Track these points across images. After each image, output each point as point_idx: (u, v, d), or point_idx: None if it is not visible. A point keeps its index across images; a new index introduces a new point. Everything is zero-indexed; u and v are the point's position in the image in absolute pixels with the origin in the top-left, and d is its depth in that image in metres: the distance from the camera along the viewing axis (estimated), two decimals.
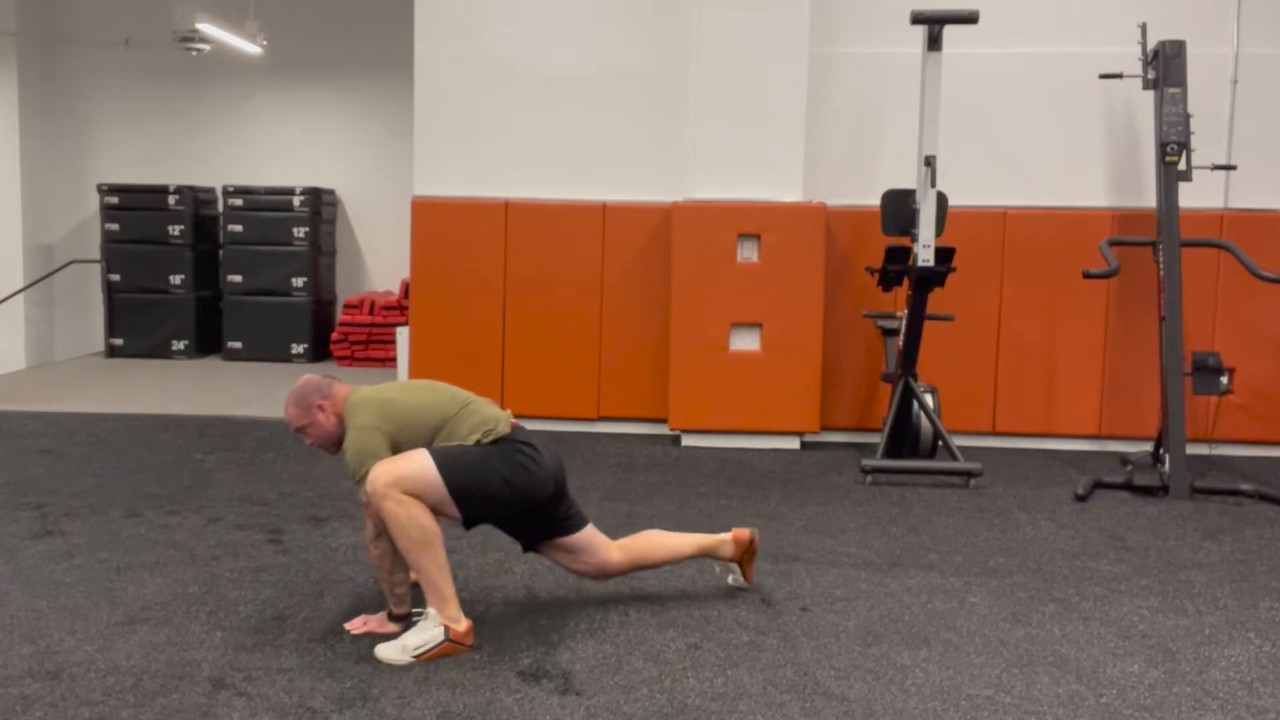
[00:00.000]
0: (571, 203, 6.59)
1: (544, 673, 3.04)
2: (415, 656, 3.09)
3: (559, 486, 3.40)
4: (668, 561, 3.69)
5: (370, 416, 3.23)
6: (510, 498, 3.27)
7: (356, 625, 3.34)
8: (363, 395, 3.32)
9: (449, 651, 3.12)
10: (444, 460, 3.16)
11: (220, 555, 4.08)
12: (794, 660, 3.18)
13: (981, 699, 2.94)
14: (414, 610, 3.30)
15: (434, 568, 3.14)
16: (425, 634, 3.12)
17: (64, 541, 4.21)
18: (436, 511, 3.19)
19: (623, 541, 3.61)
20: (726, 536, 3.72)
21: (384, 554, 3.25)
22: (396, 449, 3.23)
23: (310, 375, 3.38)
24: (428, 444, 3.24)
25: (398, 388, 3.41)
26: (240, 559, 4.04)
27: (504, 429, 3.29)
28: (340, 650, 3.17)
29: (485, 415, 3.31)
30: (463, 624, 3.17)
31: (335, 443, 3.33)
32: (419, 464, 3.14)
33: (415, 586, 3.59)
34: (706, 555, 3.73)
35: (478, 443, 3.24)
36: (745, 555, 3.74)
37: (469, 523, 3.31)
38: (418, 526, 3.10)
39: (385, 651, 3.12)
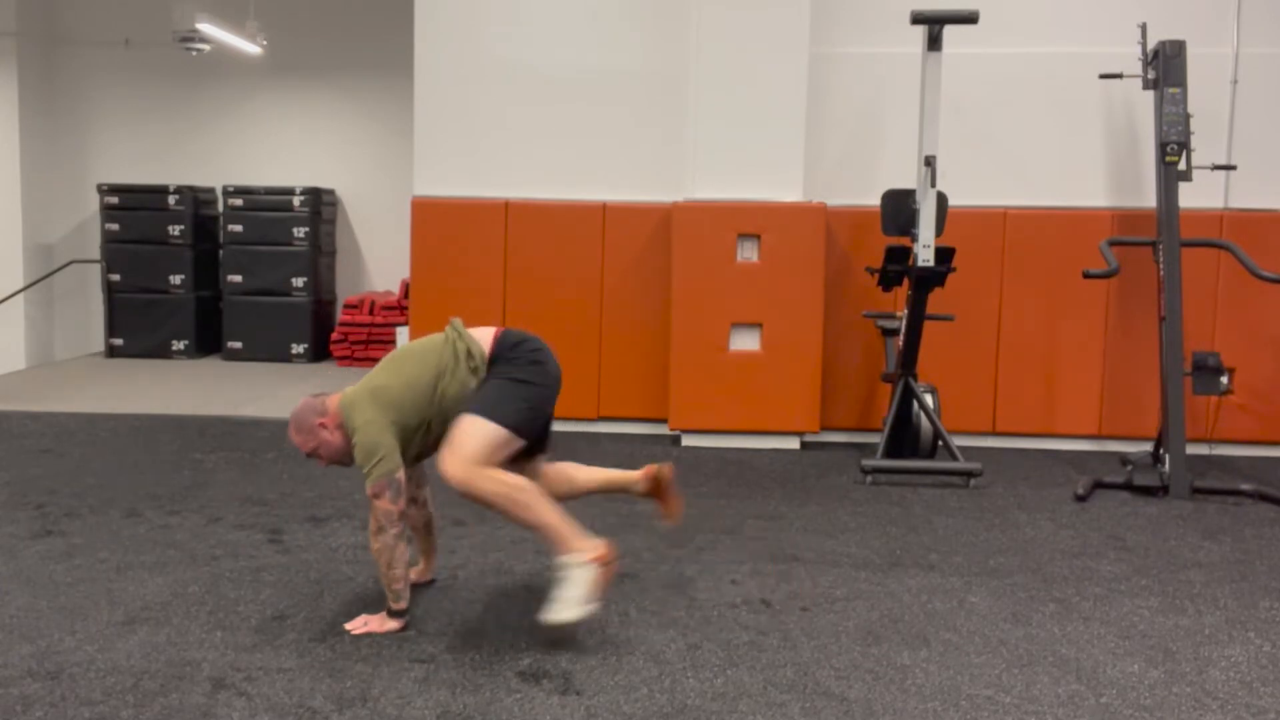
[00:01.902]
0: (571, 203, 6.59)
1: (544, 673, 3.04)
2: (588, 602, 3.17)
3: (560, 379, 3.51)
4: (577, 495, 3.70)
5: (367, 411, 3.25)
6: (545, 396, 3.39)
7: (356, 625, 3.34)
8: (351, 395, 3.32)
9: (606, 576, 3.22)
10: (488, 409, 3.24)
11: (220, 555, 4.08)
12: (794, 660, 3.18)
13: (981, 699, 2.94)
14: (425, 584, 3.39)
15: (546, 517, 3.21)
16: (577, 578, 3.17)
17: (64, 541, 4.21)
18: (505, 456, 3.27)
19: (550, 467, 3.66)
20: (636, 475, 3.73)
21: (384, 548, 3.25)
22: (404, 428, 3.26)
23: (303, 399, 3.39)
24: (429, 405, 3.29)
25: (381, 372, 3.40)
26: (240, 559, 4.04)
27: (487, 346, 3.39)
28: (340, 650, 3.17)
29: (471, 346, 3.37)
30: (600, 547, 3.22)
31: (348, 454, 3.35)
32: (473, 430, 3.21)
33: (415, 586, 3.60)
34: (619, 489, 3.75)
35: (485, 369, 3.33)
36: (658, 490, 3.73)
37: (530, 440, 3.41)
38: (515, 490, 3.19)
39: (559, 614, 3.16)
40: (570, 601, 3.16)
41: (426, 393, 3.30)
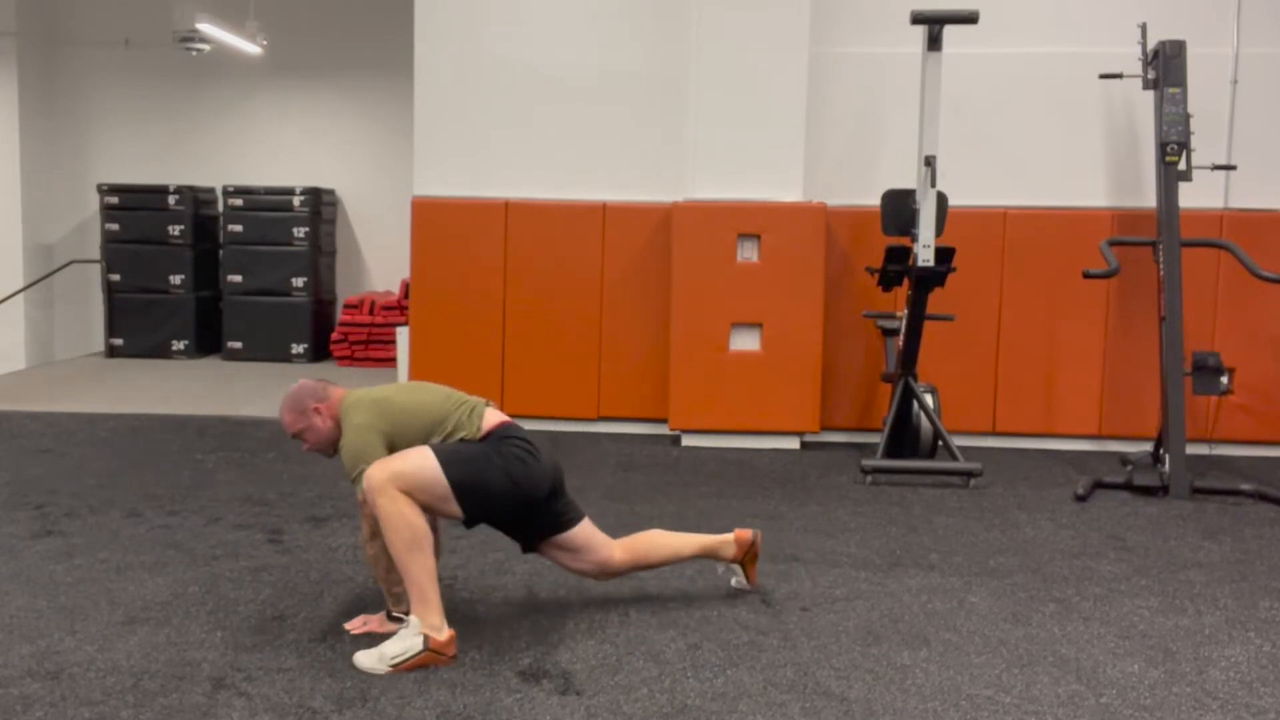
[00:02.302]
0: (571, 203, 6.59)
1: (544, 673, 3.05)
2: (392, 666, 3.02)
3: (556, 484, 3.41)
4: (669, 561, 3.68)
5: (365, 416, 3.23)
6: (510, 493, 3.25)
7: (356, 625, 3.34)
8: (357, 396, 3.31)
9: (427, 661, 3.05)
10: (445, 456, 3.16)
11: (220, 555, 4.08)
12: (794, 660, 3.18)
13: (981, 699, 2.94)
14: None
15: (421, 572, 3.09)
16: (404, 642, 3.06)
17: (64, 541, 4.21)
18: (436, 510, 3.17)
19: (624, 540, 3.59)
20: (728, 537, 3.71)
21: (379, 553, 3.25)
22: (392, 448, 3.22)
23: (304, 379, 3.37)
24: (424, 442, 3.24)
25: (393, 388, 3.40)
26: (240, 559, 4.04)
27: (496, 420, 3.31)
28: (340, 650, 3.17)
29: (480, 413, 3.32)
30: (444, 633, 3.09)
31: (332, 445, 3.33)
32: (419, 460, 3.13)
33: None
34: (708, 556, 3.72)
35: (477, 438, 3.25)
36: (747, 557, 3.73)
37: (470, 521, 3.28)
38: (409, 526, 3.07)
39: (363, 660, 3.07)
40: (383, 658, 3.04)
41: (425, 426, 3.26)
